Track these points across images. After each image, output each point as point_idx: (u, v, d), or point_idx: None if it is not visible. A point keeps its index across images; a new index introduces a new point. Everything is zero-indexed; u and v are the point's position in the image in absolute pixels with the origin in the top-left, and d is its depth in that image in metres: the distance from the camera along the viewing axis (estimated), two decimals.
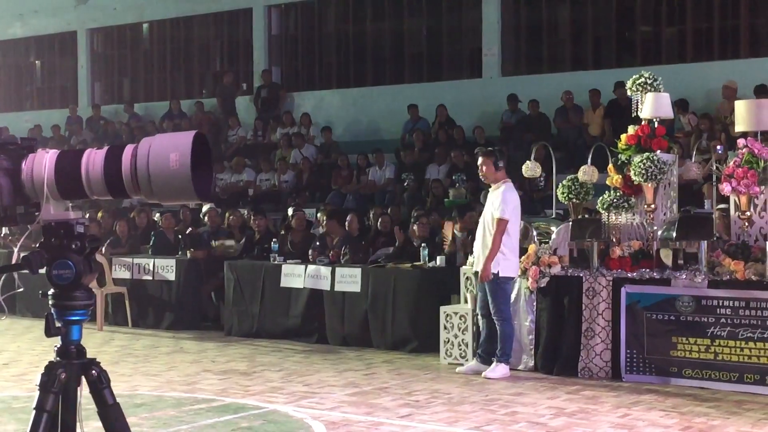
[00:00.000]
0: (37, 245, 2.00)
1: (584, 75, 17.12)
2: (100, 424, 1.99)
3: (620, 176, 9.57)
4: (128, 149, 1.94)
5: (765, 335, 8.29)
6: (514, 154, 14.91)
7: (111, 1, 22.63)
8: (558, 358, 9.34)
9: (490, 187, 9.51)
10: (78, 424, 2.03)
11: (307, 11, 20.83)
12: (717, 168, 9.22)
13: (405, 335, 10.89)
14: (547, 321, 9.46)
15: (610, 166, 9.77)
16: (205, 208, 14.60)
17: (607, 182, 9.75)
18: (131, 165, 1.92)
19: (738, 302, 8.47)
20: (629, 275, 9.06)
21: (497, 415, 7.62)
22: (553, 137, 15.78)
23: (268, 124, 19.76)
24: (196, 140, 1.91)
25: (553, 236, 9.83)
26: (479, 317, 9.54)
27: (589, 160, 10.02)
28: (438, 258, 10.96)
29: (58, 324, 1.99)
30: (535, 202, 14.05)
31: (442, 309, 10.20)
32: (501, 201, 9.11)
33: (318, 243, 12.23)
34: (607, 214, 9.62)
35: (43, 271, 1.94)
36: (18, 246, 2.12)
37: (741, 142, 8.88)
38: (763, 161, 8.63)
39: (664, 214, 9.45)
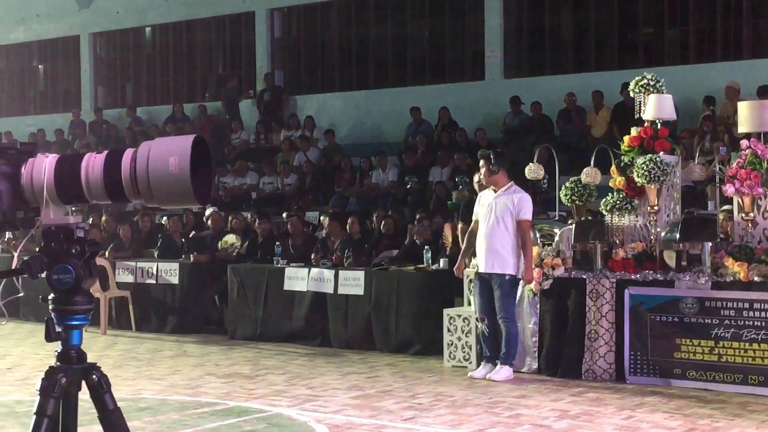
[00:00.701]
0: (38, 250, 2.00)
1: (587, 77, 17.10)
2: (100, 428, 1.99)
3: (623, 178, 9.56)
4: (128, 153, 1.94)
5: None
6: (516, 156, 14.89)
7: (114, 6, 22.66)
8: (561, 360, 9.32)
9: (485, 189, 9.56)
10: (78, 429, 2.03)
11: (309, 14, 20.83)
12: (720, 169, 9.21)
13: (408, 338, 10.88)
14: (551, 323, 9.44)
15: (613, 167, 9.75)
16: (208, 211, 14.61)
17: (610, 184, 9.73)
18: (131, 169, 1.92)
19: (742, 303, 8.45)
20: (633, 277, 9.05)
21: (501, 417, 7.61)
22: (556, 139, 15.77)
23: (270, 127, 19.76)
24: (196, 144, 1.90)
25: (556, 238, 9.83)
26: (479, 319, 9.52)
27: (592, 162, 10.01)
28: (441, 261, 10.95)
29: (58, 329, 1.98)
30: (538, 204, 14.01)
31: (446, 311, 10.19)
32: (522, 203, 9.22)
33: (320, 246, 12.22)
34: (610, 215, 9.62)
35: (43, 275, 1.94)
36: (18, 251, 2.12)
37: (744, 143, 8.87)
38: (766, 162, 8.62)
39: (668, 216, 9.43)
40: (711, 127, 14.08)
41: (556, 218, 11.23)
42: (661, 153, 9.33)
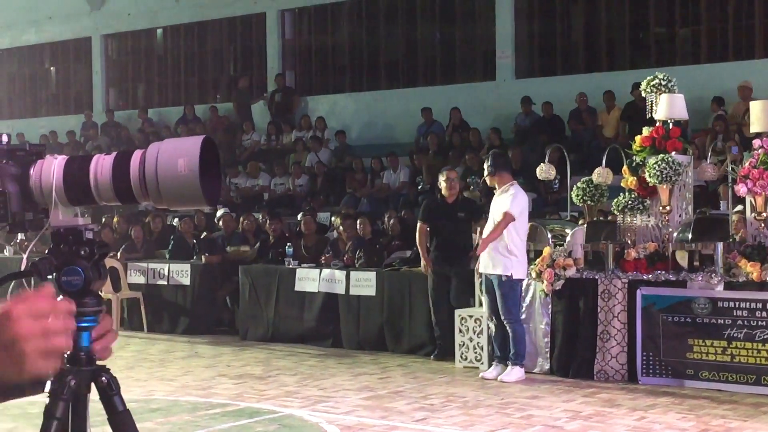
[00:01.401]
0: (46, 252, 2.00)
1: (598, 77, 17.05)
2: (110, 431, 1.99)
3: (635, 178, 9.53)
4: (136, 154, 1.93)
5: None
6: (528, 156, 14.88)
7: (125, 7, 22.70)
8: (573, 360, 9.30)
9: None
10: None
11: (320, 15, 20.83)
12: (732, 169, 9.17)
13: (420, 339, 10.86)
14: (563, 324, 9.42)
15: (625, 167, 9.73)
16: (219, 212, 14.63)
17: (622, 184, 9.71)
18: (140, 170, 1.91)
19: (755, 304, 8.42)
20: (645, 277, 9.02)
21: (512, 418, 7.60)
22: (567, 139, 15.73)
23: (281, 128, 19.77)
24: (205, 145, 1.89)
25: (568, 238, 9.79)
26: (489, 320, 9.52)
27: (604, 162, 9.99)
28: None
29: None
30: (549, 204, 14.01)
31: (457, 312, 10.18)
32: (512, 199, 9.16)
33: (331, 247, 12.22)
34: (622, 216, 9.59)
35: (52, 277, 1.94)
36: (27, 253, 2.12)
37: (756, 142, 8.84)
38: None
39: (680, 216, 9.40)
40: (723, 127, 14.04)
41: (568, 218, 11.22)
42: (673, 153, 9.31)
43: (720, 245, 8.83)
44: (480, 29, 18.92)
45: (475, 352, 9.97)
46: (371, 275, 11.27)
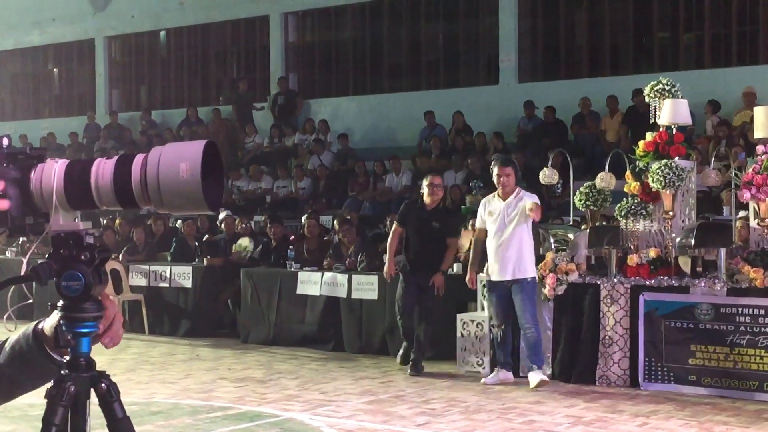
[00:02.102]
0: (47, 256, 1.98)
1: (601, 81, 17.04)
2: None
3: (638, 183, 9.51)
4: (138, 158, 1.92)
5: None
6: (531, 160, 14.87)
7: (128, 9, 22.72)
8: (576, 366, 9.28)
9: (489, 197, 9.45)
10: None
11: (323, 18, 20.83)
12: (736, 175, 9.15)
13: None
14: (565, 329, 9.40)
15: (628, 173, 9.71)
16: (222, 215, 14.63)
17: (625, 189, 9.69)
18: (141, 175, 1.89)
19: (757, 310, 8.39)
20: (647, 283, 9.00)
21: (514, 423, 7.58)
22: (570, 144, 15.72)
23: (284, 131, 19.77)
24: (207, 149, 1.88)
25: (571, 243, 9.78)
26: (497, 326, 9.36)
27: (607, 167, 9.96)
28: (455, 265, 10.90)
29: (67, 336, 1.96)
30: (552, 208, 13.99)
31: (459, 316, 10.15)
32: (529, 197, 9.11)
33: (333, 251, 12.21)
34: (624, 221, 9.57)
35: (52, 282, 1.92)
36: (27, 257, 2.10)
37: (760, 148, 8.81)
38: None
39: (683, 221, 9.38)
40: (726, 132, 14.02)
41: (570, 223, 11.20)
42: (677, 158, 9.29)
43: (723, 251, 8.81)
44: (483, 33, 18.93)
45: (477, 357, 9.95)
46: (373, 279, 11.25)
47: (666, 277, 9.00)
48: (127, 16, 22.76)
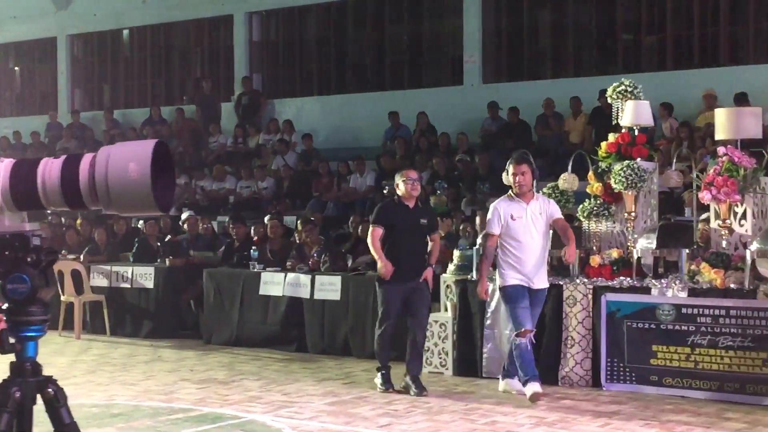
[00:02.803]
0: None
1: (565, 82, 17.10)
2: None
3: (600, 184, 9.55)
4: (86, 158, 1.88)
5: (745, 344, 8.26)
6: (495, 161, 14.88)
7: (91, 8, 22.51)
8: (538, 366, 9.27)
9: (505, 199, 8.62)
10: None
11: (288, 18, 20.77)
12: (698, 176, 9.21)
13: None
14: None
15: (591, 173, 9.74)
16: (184, 215, 14.55)
17: (588, 190, 9.72)
18: (89, 175, 1.85)
19: (718, 311, 8.44)
20: (609, 283, 9.03)
21: (477, 424, 7.57)
22: (534, 145, 15.76)
23: (248, 131, 19.68)
24: (157, 149, 1.84)
25: None
26: (526, 333, 8.46)
27: (569, 168, 9.98)
28: None
29: (12, 340, 1.91)
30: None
31: None
32: (553, 205, 8.68)
33: (297, 251, 12.16)
34: (587, 221, 9.60)
35: None
36: None
37: (721, 150, 8.86)
38: (743, 169, 8.61)
39: (645, 222, 9.43)
40: (688, 134, 14.11)
41: None
42: (639, 159, 9.32)
43: (684, 252, 8.86)
44: (448, 34, 18.96)
45: (440, 358, 9.93)
46: (336, 279, 11.22)
47: (628, 278, 9.04)
48: (89, 14, 22.55)
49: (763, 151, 9.10)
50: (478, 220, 11.59)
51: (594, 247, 9.50)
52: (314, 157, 18.26)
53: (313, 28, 20.60)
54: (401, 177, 9.11)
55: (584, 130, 15.89)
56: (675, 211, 12.03)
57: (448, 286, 10.05)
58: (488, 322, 9.51)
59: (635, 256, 9.18)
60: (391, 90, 19.26)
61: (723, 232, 8.70)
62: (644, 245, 9.02)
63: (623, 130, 9.58)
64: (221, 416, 7.97)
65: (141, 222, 14.77)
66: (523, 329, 8.37)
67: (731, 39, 16.50)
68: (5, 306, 1.92)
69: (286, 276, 11.63)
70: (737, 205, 8.72)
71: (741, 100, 13.95)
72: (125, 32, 22.83)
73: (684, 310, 8.59)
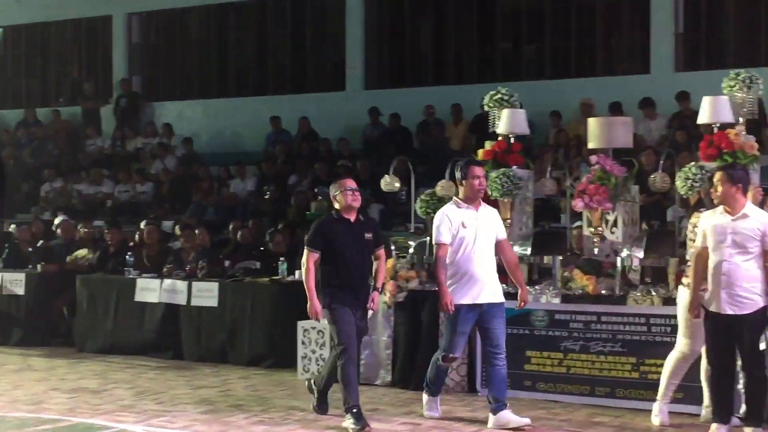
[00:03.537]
0: None
1: (446, 89, 17.26)
2: None
3: None
4: None
5: (615, 349, 8.43)
6: (376, 168, 14.92)
7: None
8: (415, 372, 9.30)
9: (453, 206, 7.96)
10: None
11: (168, 20, 20.50)
12: (571, 184, 9.35)
13: (262, 351, 10.72)
14: (405, 336, 9.44)
15: None
16: (57, 220, 14.21)
17: None
18: None
19: (590, 316, 8.59)
20: None
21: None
22: (416, 151, 15.86)
23: (127, 134, 19.34)
24: None
25: (411, 251, 9.82)
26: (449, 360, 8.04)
27: (447, 175, 10.03)
28: (297, 272, 10.82)
29: None
30: (397, 216, 14.05)
31: (300, 324, 10.07)
32: (500, 220, 8.16)
33: (174, 257, 11.98)
34: None
35: None
36: None
37: (593, 158, 9.02)
38: (614, 178, 8.78)
39: (520, 229, 9.53)
40: (564, 140, 14.38)
41: (412, 231, 11.23)
42: (514, 167, 9.43)
43: (558, 259, 9.00)
44: (330, 39, 18.98)
45: (318, 364, 9.88)
46: (213, 286, 11.08)
47: (503, 285, 9.11)
48: None
49: (633, 160, 9.32)
50: None
51: None
52: (195, 161, 18.03)
53: (195, 31, 20.39)
54: (338, 188, 7.92)
55: (465, 137, 16.05)
56: (552, 218, 12.22)
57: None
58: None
59: None
60: (273, 95, 19.16)
61: (595, 240, 8.85)
62: (519, 252, 9.12)
63: (499, 138, 9.68)
64: (91, 427, 7.79)
65: (12, 226, 14.36)
66: (450, 355, 7.92)
67: (606, 50, 16.91)
68: None
69: (162, 282, 11.44)
70: (609, 213, 8.88)
71: (615, 109, 14.29)
72: None
73: (557, 316, 8.72)
